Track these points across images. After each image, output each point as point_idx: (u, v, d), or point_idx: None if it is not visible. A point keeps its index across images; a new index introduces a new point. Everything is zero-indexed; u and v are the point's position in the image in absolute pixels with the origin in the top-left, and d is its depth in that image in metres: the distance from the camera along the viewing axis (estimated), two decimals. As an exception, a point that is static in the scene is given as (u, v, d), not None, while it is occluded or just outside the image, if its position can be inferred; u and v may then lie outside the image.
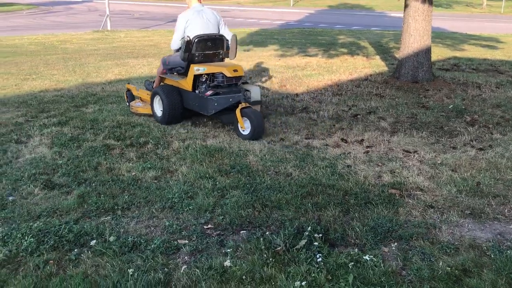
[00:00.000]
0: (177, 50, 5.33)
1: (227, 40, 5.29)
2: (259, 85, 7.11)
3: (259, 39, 15.05)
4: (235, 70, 4.94)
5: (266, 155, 4.33)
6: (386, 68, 9.13)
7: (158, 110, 5.36)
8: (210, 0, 50.02)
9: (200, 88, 5.06)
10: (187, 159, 4.25)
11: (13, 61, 10.00)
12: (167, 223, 3.09)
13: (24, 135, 4.93)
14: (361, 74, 8.51)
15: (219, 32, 5.39)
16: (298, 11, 33.08)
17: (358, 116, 5.71)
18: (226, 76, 4.94)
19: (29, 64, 9.53)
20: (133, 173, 3.96)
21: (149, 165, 4.10)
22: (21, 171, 3.96)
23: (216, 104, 4.89)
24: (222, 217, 3.18)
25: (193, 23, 5.16)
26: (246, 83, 5.29)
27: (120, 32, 17.20)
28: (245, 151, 4.46)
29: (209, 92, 4.93)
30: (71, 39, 14.56)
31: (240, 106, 4.85)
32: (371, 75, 8.42)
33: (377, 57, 10.90)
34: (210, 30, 5.25)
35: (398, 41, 10.14)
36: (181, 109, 5.25)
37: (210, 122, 5.40)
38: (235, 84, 5.07)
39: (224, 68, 4.94)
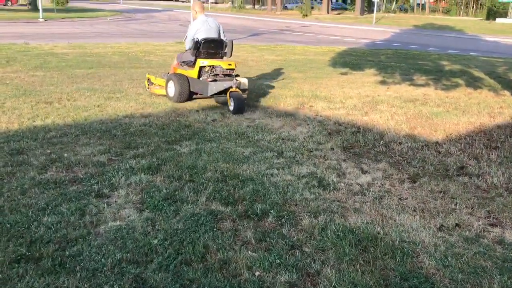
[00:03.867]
0: (189, 49, 7.07)
1: (226, 42, 7.09)
2: (380, 124, 5.72)
3: (352, 60, 13.63)
4: (230, 64, 6.79)
5: (448, 257, 2.91)
6: (530, 110, 7.40)
7: (171, 92, 6.97)
8: (285, 15, 49.21)
9: (203, 76, 6.81)
10: (329, 252, 2.93)
11: (96, 73, 9.25)
12: None
13: (107, 184, 3.84)
14: (505, 117, 6.85)
15: (219, 36, 7.17)
16: (381, 29, 31.27)
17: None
18: (222, 68, 6.74)
19: (112, 78, 8.71)
20: (257, 273, 2.70)
21: (277, 260, 2.82)
22: (101, 254, 2.81)
23: (214, 87, 6.55)
24: None
25: (201, 30, 6.96)
26: (237, 75, 6.94)
27: (203, 45, 16.40)
28: (410, 243, 3.07)
29: (209, 79, 6.66)
30: (154, 51, 13.87)
31: (229, 90, 6.56)
32: (518, 118, 6.75)
33: (507, 92, 9.13)
34: (212, 35, 7.04)
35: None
36: (188, 91, 6.89)
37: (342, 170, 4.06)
38: (229, 75, 6.83)
39: (222, 62, 6.78)
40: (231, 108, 6.48)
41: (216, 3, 67.54)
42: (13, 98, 6.73)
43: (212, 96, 6.74)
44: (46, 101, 6.62)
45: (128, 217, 3.31)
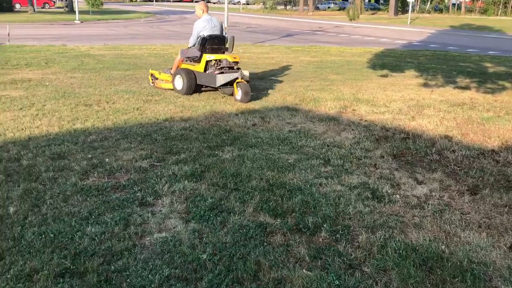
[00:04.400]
0: (193, 46, 7.58)
1: (227, 38, 7.67)
2: (429, 130, 5.41)
3: (391, 61, 13.24)
4: (234, 58, 7.34)
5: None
6: None
7: (179, 85, 7.48)
8: (318, 15, 48.74)
9: (210, 70, 7.30)
10: (392, 273, 2.69)
11: (133, 75, 9.22)
12: None
13: (150, 191, 3.70)
14: None
15: (222, 33, 7.70)
16: (417, 30, 30.53)
17: None
18: (228, 61, 7.28)
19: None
20: (316, 296, 2.48)
21: (336, 281, 2.60)
22: (148, 269, 2.65)
23: (221, 79, 7.05)
24: None
25: (206, 28, 7.48)
26: (239, 68, 7.39)
27: (237, 47, 16.26)
28: (480, 264, 2.80)
29: (217, 72, 7.16)
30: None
31: (236, 81, 7.09)
32: None
33: (560, 96, 8.60)
34: (216, 32, 7.56)
35: None
36: (195, 84, 7.43)
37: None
38: (232, 67, 7.33)
39: (227, 56, 7.33)
40: (238, 97, 7.06)
41: (247, 4, 67.55)
42: (53, 100, 6.72)
43: (218, 87, 7.32)
44: (85, 103, 6.58)
45: (173, 228, 3.15)
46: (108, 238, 2.98)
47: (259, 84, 8.77)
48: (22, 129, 5.25)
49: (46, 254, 2.76)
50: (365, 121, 6.18)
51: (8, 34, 14.89)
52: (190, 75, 7.37)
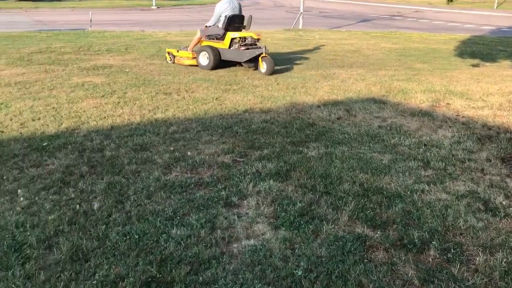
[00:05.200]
0: (213, 25, 8.29)
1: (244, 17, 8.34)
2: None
3: (481, 50, 12.20)
4: (258, 35, 8.16)
5: None
6: None
7: (204, 61, 8.22)
8: (390, 1, 46.70)
9: (234, 46, 8.07)
10: (523, 308, 2.26)
11: (210, 62, 9.08)
12: None
13: (235, 190, 3.47)
14: None
15: (241, 13, 8.37)
16: (505, 15, 28.16)
17: None
18: (253, 38, 8.06)
19: (226, 68, 8.46)
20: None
21: (456, 313, 2.22)
22: (239, 283, 2.42)
23: (248, 54, 7.89)
24: None
25: (227, 9, 8.15)
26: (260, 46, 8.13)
27: (313, 32, 15.79)
28: None
29: (243, 48, 7.97)
30: (264, 38, 13.51)
31: (261, 55, 7.86)
32: None
33: None
34: (236, 12, 8.23)
35: None
36: (219, 60, 8.14)
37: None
38: (255, 44, 8.13)
39: (251, 33, 8.11)
40: (263, 70, 7.88)
41: (320, -12, 65.94)
42: (134, 87, 6.71)
43: (244, 62, 8.16)
44: (165, 91, 6.50)
45: (262, 234, 2.90)
46: (195, 242, 2.77)
47: (339, 73, 8.32)
48: (105, 117, 5.23)
49: (131, 259, 2.60)
50: (463, 117, 5.59)
51: (91, 20, 15.38)
52: (215, 52, 8.07)
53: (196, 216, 3.07)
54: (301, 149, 4.38)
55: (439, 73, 8.61)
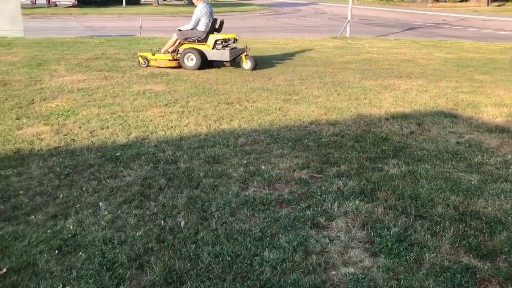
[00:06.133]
0: (192, 28, 8.76)
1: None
2: None
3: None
4: (238, 36, 9.15)
5: None
6: None
7: (189, 63, 8.81)
8: (437, 7, 45.66)
9: (218, 47, 8.77)
10: None
11: (265, 72, 8.97)
12: None
13: (320, 210, 3.30)
14: None
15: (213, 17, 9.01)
16: (560, 23, 26.97)
17: None
18: (235, 39, 9.04)
19: (282, 77, 8.33)
20: None
21: None
22: (350, 317, 2.24)
23: (233, 53, 8.76)
24: None
25: (206, 13, 8.70)
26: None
27: (361, 40, 15.51)
28: None
29: (227, 48, 8.77)
30: (313, 46, 13.37)
31: (244, 54, 8.88)
32: None
33: None
34: (212, 16, 8.87)
35: None
36: (205, 61, 8.77)
37: None
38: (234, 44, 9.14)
39: (233, 35, 9.08)
40: (247, 67, 8.84)
41: (360, -5, 65.31)
42: (195, 96, 6.66)
43: (230, 61, 8.85)
44: (226, 101, 6.41)
45: (360, 262, 2.71)
46: (290, 268, 2.62)
47: (399, 83, 8.04)
48: (172, 127, 5.17)
49: (227, 283, 2.47)
50: (545, 134, 5.25)
51: (140, 26, 15.60)
52: (200, 54, 8.68)
53: (286, 238, 2.92)
54: (380, 166, 4.17)
55: (503, 85, 8.21)
